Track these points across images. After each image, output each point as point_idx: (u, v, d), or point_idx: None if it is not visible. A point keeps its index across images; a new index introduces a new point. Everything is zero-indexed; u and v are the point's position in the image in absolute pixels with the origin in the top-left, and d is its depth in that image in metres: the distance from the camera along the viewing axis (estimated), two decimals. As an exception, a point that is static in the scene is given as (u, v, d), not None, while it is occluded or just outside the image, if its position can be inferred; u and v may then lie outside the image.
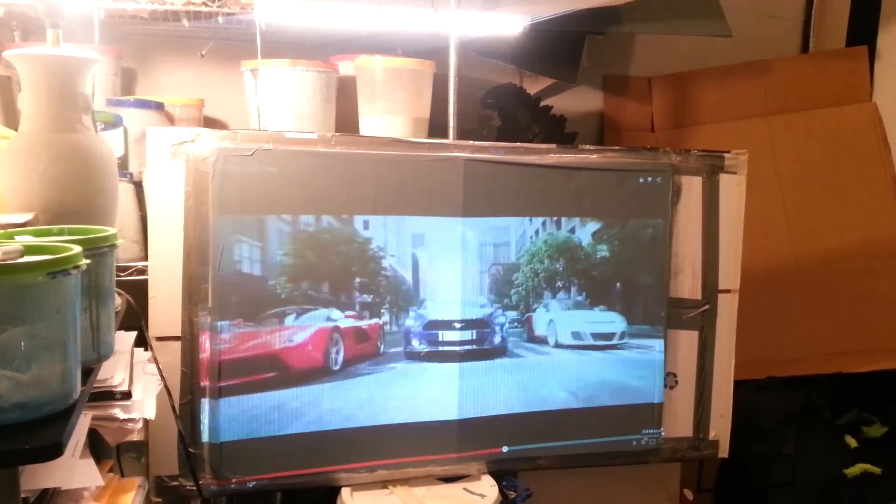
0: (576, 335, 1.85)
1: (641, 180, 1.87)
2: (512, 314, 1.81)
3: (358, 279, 1.69)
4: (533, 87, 2.44)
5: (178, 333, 1.60)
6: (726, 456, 1.99)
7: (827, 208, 2.56)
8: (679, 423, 1.97)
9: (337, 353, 1.69)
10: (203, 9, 1.68)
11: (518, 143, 1.78)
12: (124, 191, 1.67)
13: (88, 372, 0.97)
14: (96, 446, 1.25)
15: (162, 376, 1.36)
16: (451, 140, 1.79)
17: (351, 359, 1.70)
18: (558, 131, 2.28)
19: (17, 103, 1.84)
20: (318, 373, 1.67)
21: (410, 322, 1.73)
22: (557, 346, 1.85)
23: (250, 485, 1.66)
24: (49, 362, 0.81)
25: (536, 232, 1.81)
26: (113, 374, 1.12)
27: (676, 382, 1.96)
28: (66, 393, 0.84)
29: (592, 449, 1.89)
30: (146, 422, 1.28)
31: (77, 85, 1.22)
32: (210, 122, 2.17)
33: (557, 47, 2.24)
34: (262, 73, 1.79)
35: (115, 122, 1.70)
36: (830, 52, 2.70)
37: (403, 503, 1.67)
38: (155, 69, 2.18)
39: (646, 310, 1.90)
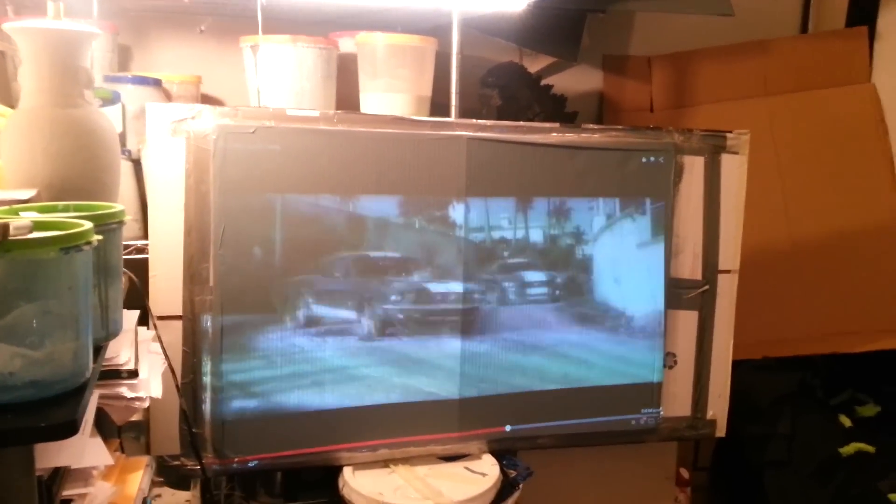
0: (578, 314, 1.85)
1: (644, 160, 1.86)
2: (514, 292, 1.80)
3: (360, 257, 1.68)
4: (532, 66, 2.42)
5: (179, 313, 1.59)
6: (723, 435, 2.01)
7: (824, 189, 2.56)
8: (678, 403, 1.98)
9: (340, 331, 1.68)
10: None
11: (521, 123, 1.76)
12: (122, 168, 1.65)
13: (97, 350, 0.96)
14: (100, 426, 1.25)
15: (166, 355, 1.35)
16: (454, 119, 1.77)
17: (353, 337, 1.69)
18: (559, 111, 2.27)
19: (12, 79, 1.82)
20: (322, 351, 1.67)
21: (412, 299, 1.73)
22: (559, 323, 1.85)
23: (252, 464, 1.66)
24: (62, 339, 0.80)
25: (543, 211, 1.80)
26: (119, 352, 1.11)
27: (676, 362, 1.97)
28: (79, 370, 0.83)
29: (592, 428, 1.90)
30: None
31: (79, 59, 1.20)
32: (207, 100, 2.14)
33: (559, 25, 2.22)
34: (263, 49, 1.76)
35: (112, 99, 1.68)
36: (830, 33, 2.70)
37: (406, 482, 1.68)
38: (150, 45, 2.14)
39: (647, 290, 1.90)
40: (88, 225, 0.83)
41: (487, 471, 1.74)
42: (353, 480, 1.66)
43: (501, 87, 2.18)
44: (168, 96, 1.89)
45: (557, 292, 1.84)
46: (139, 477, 1.10)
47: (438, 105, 1.96)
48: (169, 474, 1.70)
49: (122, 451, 1.32)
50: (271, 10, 1.78)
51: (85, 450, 0.94)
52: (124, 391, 1.09)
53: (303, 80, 1.77)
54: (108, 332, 0.99)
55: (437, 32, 1.93)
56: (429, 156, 1.69)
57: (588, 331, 1.87)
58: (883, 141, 2.56)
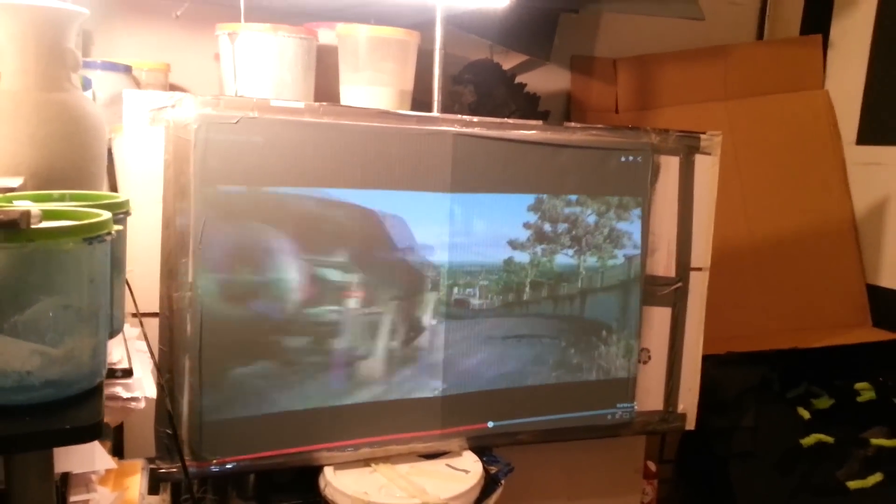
0: (557, 311, 1.86)
1: (623, 159, 1.89)
2: (497, 289, 1.80)
3: (343, 252, 1.64)
4: (504, 63, 2.42)
5: (157, 310, 1.52)
6: (693, 428, 2.06)
7: (780, 191, 2.65)
8: (651, 397, 2.01)
9: (322, 329, 1.64)
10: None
11: (505, 119, 1.76)
12: (93, 158, 1.57)
13: (101, 348, 0.91)
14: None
15: (151, 353, 1.29)
16: (439, 114, 1.75)
17: (337, 334, 1.65)
18: (533, 109, 2.28)
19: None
20: (303, 350, 1.63)
21: (396, 295, 1.70)
22: (538, 320, 1.85)
23: (230, 466, 1.60)
24: (81, 336, 0.75)
25: (525, 208, 1.80)
26: (111, 350, 1.05)
27: (649, 358, 2.00)
28: (96, 369, 0.78)
29: (570, 423, 1.92)
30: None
31: (66, 40, 1.13)
32: (174, 89, 2.06)
33: (533, 24, 2.23)
34: (242, 37, 1.70)
35: (84, 85, 1.59)
36: (787, 40, 2.79)
37: (389, 481, 1.65)
38: (114, 31, 2.05)
39: (623, 287, 1.92)
40: (107, 215, 0.78)
41: (470, 467, 1.73)
42: (336, 480, 1.63)
43: (477, 83, 2.17)
44: (137, 84, 1.81)
45: (540, 291, 1.84)
46: (137, 481, 1.04)
47: (417, 101, 1.93)
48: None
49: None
50: (247, -2, 1.73)
51: (87, 454, 0.88)
52: (120, 391, 1.03)
53: (283, 71, 1.72)
54: (113, 328, 0.94)
55: (412, 28, 1.91)
56: (415, 151, 1.67)
57: (567, 325, 1.88)
58: (835, 145, 2.66)
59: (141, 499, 1.00)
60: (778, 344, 2.36)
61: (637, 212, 1.91)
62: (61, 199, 0.97)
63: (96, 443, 0.95)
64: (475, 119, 1.72)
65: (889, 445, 2.08)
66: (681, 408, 2.05)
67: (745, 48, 2.76)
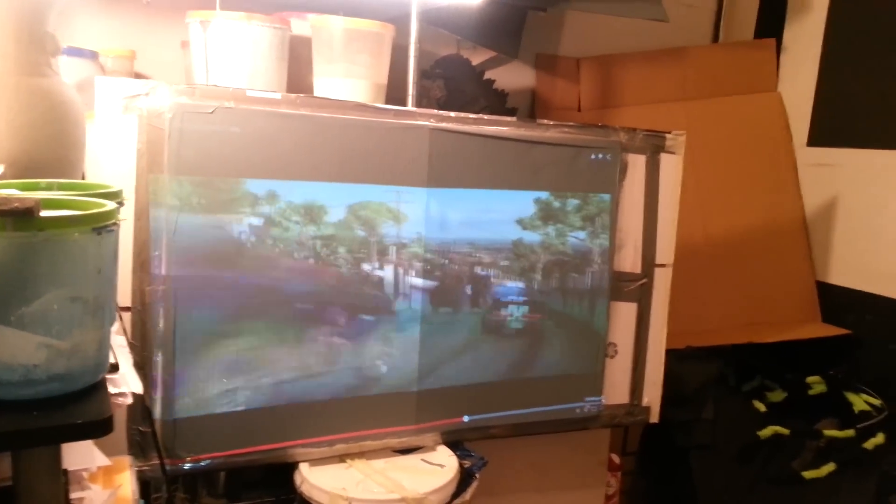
0: (530, 304, 1.88)
1: (593, 156, 1.92)
2: (471, 284, 1.81)
3: (319, 247, 1.63)
4: (472, 59, 2.43)
5: (128, 304, 1.48)
6: (657, 421, 2.11)
7: (735, 190, 2.74)
8: (617, 391, 2.05)
9: (298, 323, 1.62)
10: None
11: (480, 115, 1.77)
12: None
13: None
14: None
15: (132, 348, 1.26)
16: (416, 108, 1.75)
17: (312, 330, 1.64)
18: (501, 105, 2.29)
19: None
20: (279, 344, 1.60)
21: (372, 291, 1.70)
22: (510, 315, 1.87)
23: (204, 463, 1.57)
24: (88, 329, 0.72)
25: (498, 204, 1.81)
26: (96, 345, 1.02)
27: (616, 352, 2.04)
28: (102, 363, 0.76)
29: (540, 417, 1.94)
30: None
31: (46, 24, 1.09)
32: (137, 78, 2.00)
33: (502, 20, 2.25)
34: (214, 25, 1.67)
35: (50, 70, 1.53)
36: (742, 43, 2.88)
37: (366, 476, 1.64)
38: (73, 15, 1.98)
39: (592, 283, 1.96)
40: (113, 204, 0.76)
41: (445, 462, 1.74)
42: (312, 476, 1.61)
43: (447, 78, 2.18)
44: (103, 71, 1.75)
45: (514, 285, 1.86)
46: (127, 478, 1.01)
47: (387, 95, 1.92)
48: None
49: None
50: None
51: (84, 451, 0.86)
52: (108, 386, 1.00)
53: (257, 61, 1.69)
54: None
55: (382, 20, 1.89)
56: (391, 144, 1.66)
57: (538, 320, 1.90)
58: (787, 146, 2.76)
59: (134, 496, 0.97)
60: (733, 339, 2.44)
61: (606, 208, 1.94)
62: (48, 188, 0.93)
63: (89, 441, 0.92)
64: (452, 114, 1.72)
65: (841, 436, 2.17)
66: (645, 401, 2.10)
67: (702, 50, 2.83)
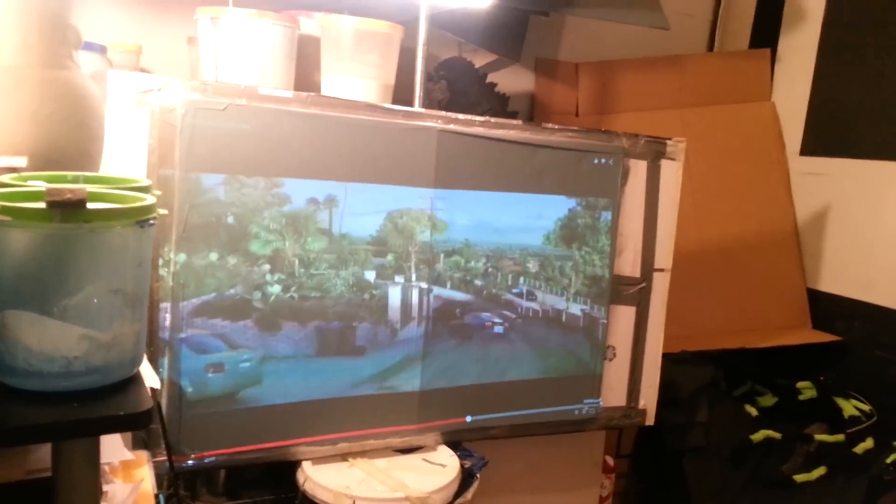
0: (530, 307, 1.90)
1: (596, 161, 1.94)
2: (476, 286, 1.82)
3: (326, 247, 1.63)
4: (473, 62, 2.44)
5: (136, 299, 1.47)
6: (652, 423, 2.13)
7: (728, 198, 2.77)
8: (615, 393, 2.07)
9: (303, 322, 1.62)
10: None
11: (486, 118, 1.78)
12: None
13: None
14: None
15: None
16: (424, 110, 1.76)
17: (318, 328, 1.64)
18: (503, 108, 2.31)
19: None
20: (284, 344, 1.61)
21: (376, 291, 1.70)
22: (515, 316, 1.88)
23: (208, 460, 1.57)
24: (127, 321, 0.73)
25: (502, 207, 1.83)
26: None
27: (615, 355, 2.06)
28: (137, 356, 0.76)
29: (539, 418, 1.96)
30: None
31: (68, 16, 1.09)
32: (143, 73, 1.99)
33: (506, 24, 2.26)
34: (225, 21, 1.66)
35: (60, 63, 1.52)
36: (737, 53, 2.92)
37: (368, 475, 1.65)
38: (80, 9, 1.96)
39: (592, 286, 1.98)
40: (153, 198, 0.76)
41: (446, 462, 1.75)
42: (315, 474, 1.61)
43: (451, 81, 2.19)
44: (110, 65, 1.74)
45: (517, 287, 1.87)
46: (146, 473, 1.01)
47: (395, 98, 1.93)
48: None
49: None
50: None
51: (110, 444, 0.86)
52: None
53: (267, 59, 1.69)
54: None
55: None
56: (400, 145, 1.67)
57: (539, 322, 1.92)
58: (780, 155, 2.80)
59: (154, 491, 0.97)
60: (725, 344, 2.47)
61: (608, 213, 1.97)
62: (75, 181, 0.94)
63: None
64: (459, 116, 1.73)
65: (830, 441, 2.21)
66: (642, 404, 2.12)
67: (698, 59, 2.87)
